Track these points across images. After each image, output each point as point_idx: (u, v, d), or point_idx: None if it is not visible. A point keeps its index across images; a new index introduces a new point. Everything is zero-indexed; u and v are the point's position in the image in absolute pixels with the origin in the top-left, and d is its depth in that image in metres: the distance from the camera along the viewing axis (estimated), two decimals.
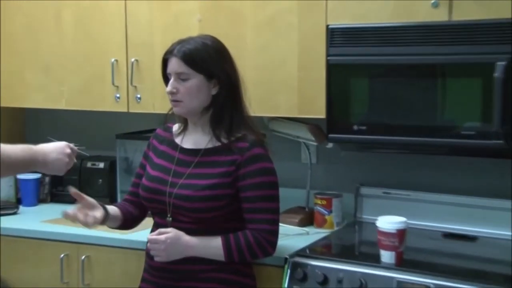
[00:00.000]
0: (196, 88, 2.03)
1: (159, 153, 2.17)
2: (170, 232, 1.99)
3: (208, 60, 2.03)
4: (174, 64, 2.03)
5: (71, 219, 2.05)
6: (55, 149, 1.99)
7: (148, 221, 2.24)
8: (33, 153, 1.93)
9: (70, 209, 2.06)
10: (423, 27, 2.24)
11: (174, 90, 2.04)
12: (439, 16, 2.24)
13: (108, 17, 2.81)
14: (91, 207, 2.07)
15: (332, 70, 2.38)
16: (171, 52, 2.05)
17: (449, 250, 2.41)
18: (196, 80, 2.03)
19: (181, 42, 2.06)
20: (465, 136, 2.20)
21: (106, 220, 2.09)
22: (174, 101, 2.06)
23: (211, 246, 2.01)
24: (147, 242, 2.07)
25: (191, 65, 2.02)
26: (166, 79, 2.10)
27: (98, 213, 2.06)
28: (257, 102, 2.43)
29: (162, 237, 1.98)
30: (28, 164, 1.93)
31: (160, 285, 2.08)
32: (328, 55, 2.39)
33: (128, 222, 2.20)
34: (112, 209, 2.15)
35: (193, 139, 2.12)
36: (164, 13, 2.70)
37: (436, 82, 2.26)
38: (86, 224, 2.04)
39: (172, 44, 2.08)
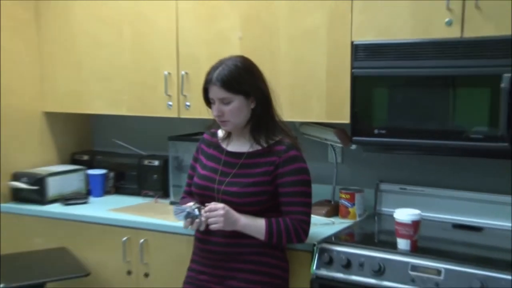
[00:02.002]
0: (238, 108, 2.04)
1: (207, 156, 2.18)
2: (223, 205, 2.02)
3: (242, 82, 2.03)
4: (216, 92, 2.04)
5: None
6: None
7: None
8: None
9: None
10: (438, 43, 2.22)
11: (221, 114, 2.06)
12: (452, 33, 2.22)
13: (161, 33, 2.79)
14: None
15: (357, 81, 2.37)
16: (210, 81, 2.05)
17: (458, 239, 2.39)
18: (237, 101, 2.04)
19: (215, 68, 2.05)
20: (474, 139, 2.17)
21: None
22: (222, 121, 2.09)
23: (256, 224, 2.03)
24: (198, 228, 2.08)
25: (231, 90, 2.02)
26: (207, 102, 2.11)
27: None
28: (290, 108, 2.48)
29: (220, 205, 2.00)
30: None
31: (208, 265, 2.10)
32: (353, 67, 2.38)
33: None
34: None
35: (237, 144, 2.15)
36: (209, 29, 2.68)
37: (449, 92, 2.24)
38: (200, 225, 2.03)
39: (208, 72, 2.08)
